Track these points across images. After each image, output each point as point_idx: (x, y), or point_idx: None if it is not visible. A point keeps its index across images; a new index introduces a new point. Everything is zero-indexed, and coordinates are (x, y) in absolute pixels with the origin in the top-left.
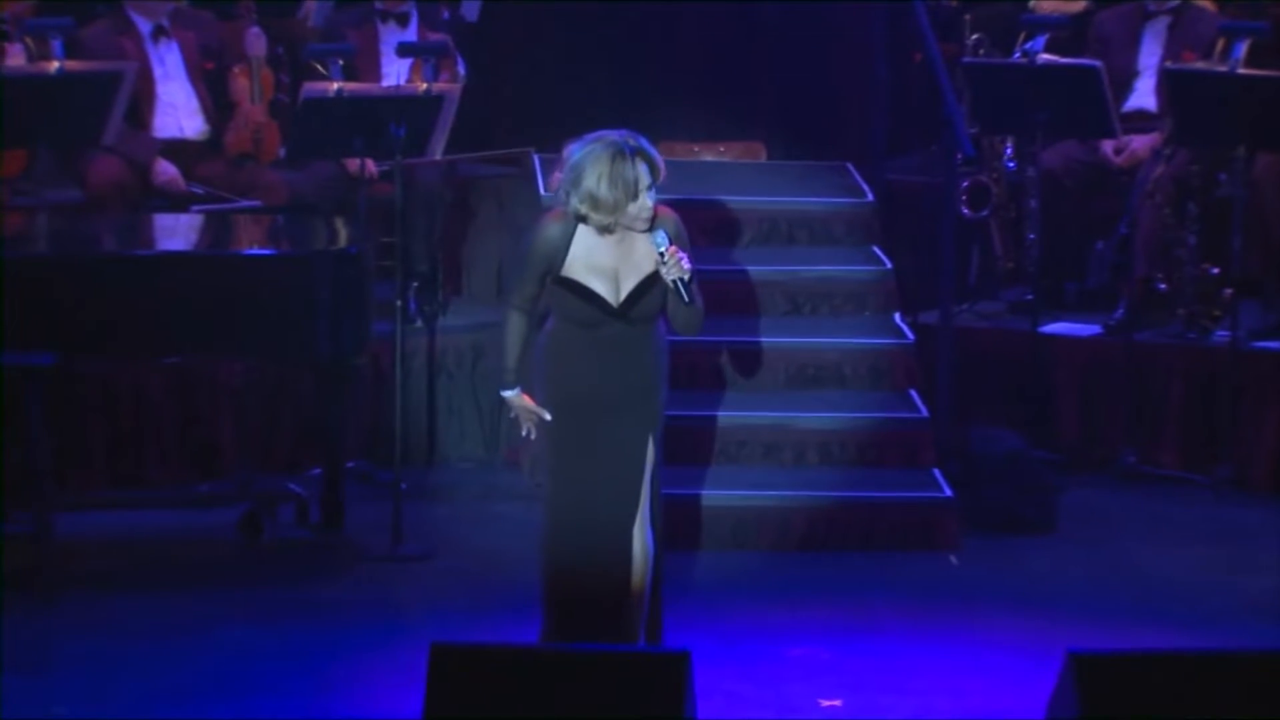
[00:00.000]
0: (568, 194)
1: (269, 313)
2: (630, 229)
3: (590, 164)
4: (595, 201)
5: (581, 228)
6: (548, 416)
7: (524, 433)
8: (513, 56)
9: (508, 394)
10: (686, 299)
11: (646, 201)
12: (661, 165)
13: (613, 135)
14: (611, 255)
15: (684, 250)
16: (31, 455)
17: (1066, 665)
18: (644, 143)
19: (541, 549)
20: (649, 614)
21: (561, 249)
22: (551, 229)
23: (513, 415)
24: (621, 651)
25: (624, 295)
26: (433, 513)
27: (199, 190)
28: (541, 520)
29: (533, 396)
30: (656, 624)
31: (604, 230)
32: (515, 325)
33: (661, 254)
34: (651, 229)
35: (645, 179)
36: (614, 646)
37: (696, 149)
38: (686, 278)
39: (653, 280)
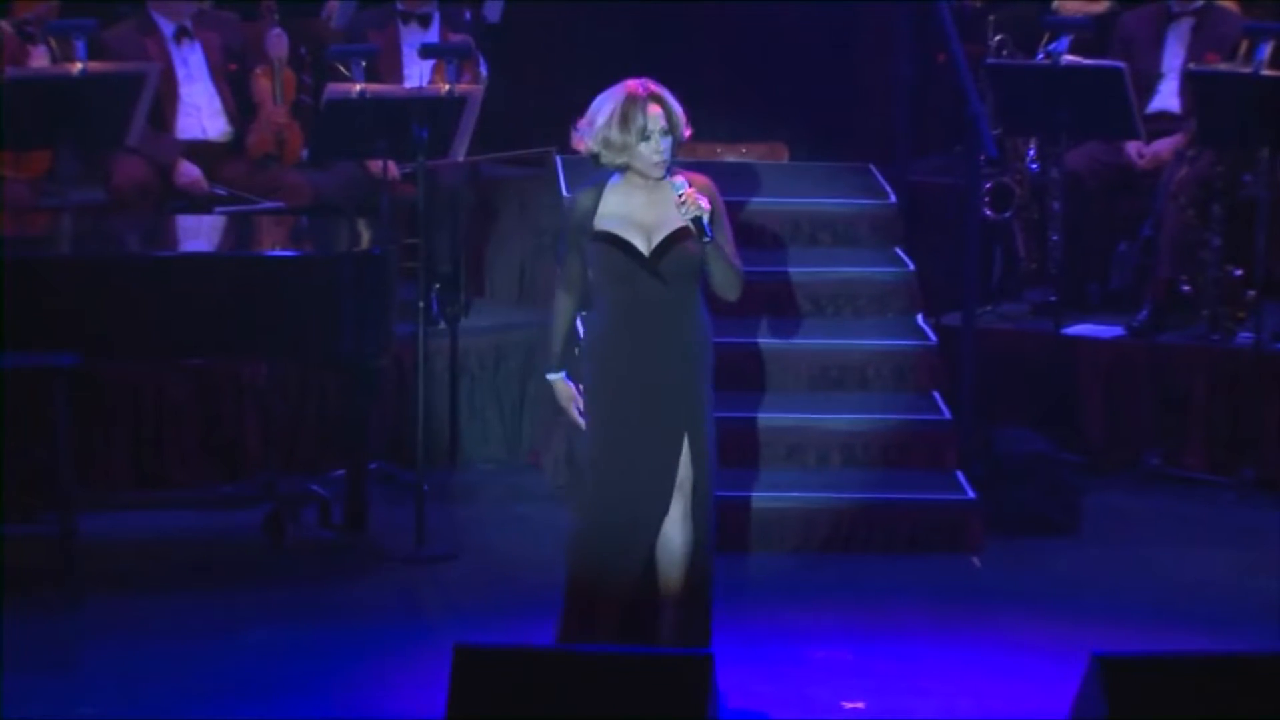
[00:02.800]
0: (584, 136)
1: (292, 314)
2: (646, 175)
3: (605, 106)
4: (607, 142)
5: (610, 187)
6: (580, 418)
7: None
8: (535, 57)
9: (550, 377)
10: (708, 236)
11: (658, 144)
12: (680, 115)
13: (632, 81)
14: (643, 212)
15: (720, 214)
16: (56, 456)
17: (1091, 667)
18: (662, 90)
19: (570, 544)
20: (691, 616)
21: (591, 210)
22: (580, 197)
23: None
24: (645, 653)
25: (654, 245)
26: (455, 514)
27: (222, 191)
28: (576, 514)
29: (579, 385)
30: (700, 627)
31: (618, 168)
32: (561, 306)
33: (680, 195)
34: (689, 185)
35: (657, 123)
36: (637, 648)
37: (719, 150)
38: (705, 216)
39: (683, 234)
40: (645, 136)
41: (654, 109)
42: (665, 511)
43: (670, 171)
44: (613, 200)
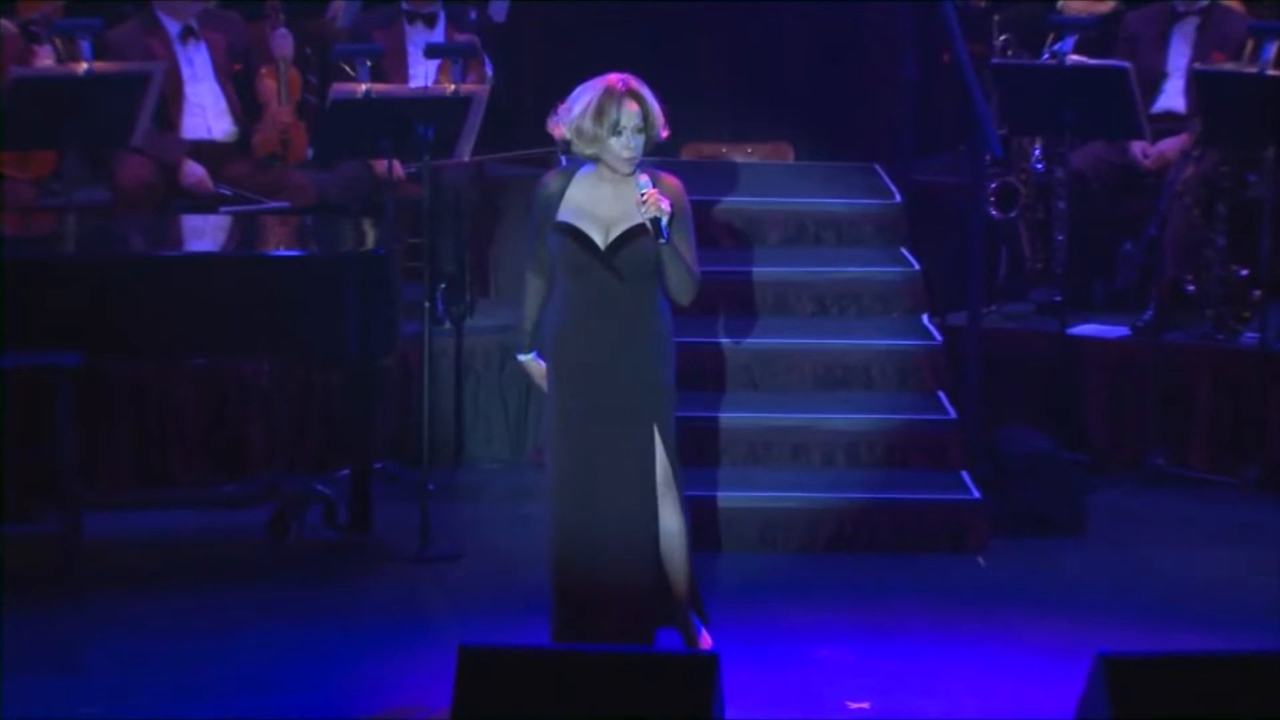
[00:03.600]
0: (560, 122)
1: (297, 314)
2: (615, 170)
3: (583, 96)
4: (580, 131)
5: (578, 178)
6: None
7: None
8: (540, 57)
9: (521, 358)
10: (664, 238)
11: (629, 141)
12: (657, 114)
13: (614, 75)
14: (606, 205)
15: (684, 218)
16: (59, 455)
17: (1096, 667)
18: (642, 88)
19: (549, 540)
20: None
21: (556, 198)
22: (548, 184)
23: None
24: (650, 653)
25: (611, 239)
26: (460, 514)
27: (227, 191)
28: (548, 507)
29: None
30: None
31: (589, 158)
32: (531, 288)
33: (642, 194)
34: (653, 186)
35: (631, 120)
36: (643, 648)
37: (724, 150)
38: (665, 219)
39: (642, 230)
40: (617, 131)
41: (630, 105)
42: (641, 504)
43: (645, 169)
44: (578, 190)
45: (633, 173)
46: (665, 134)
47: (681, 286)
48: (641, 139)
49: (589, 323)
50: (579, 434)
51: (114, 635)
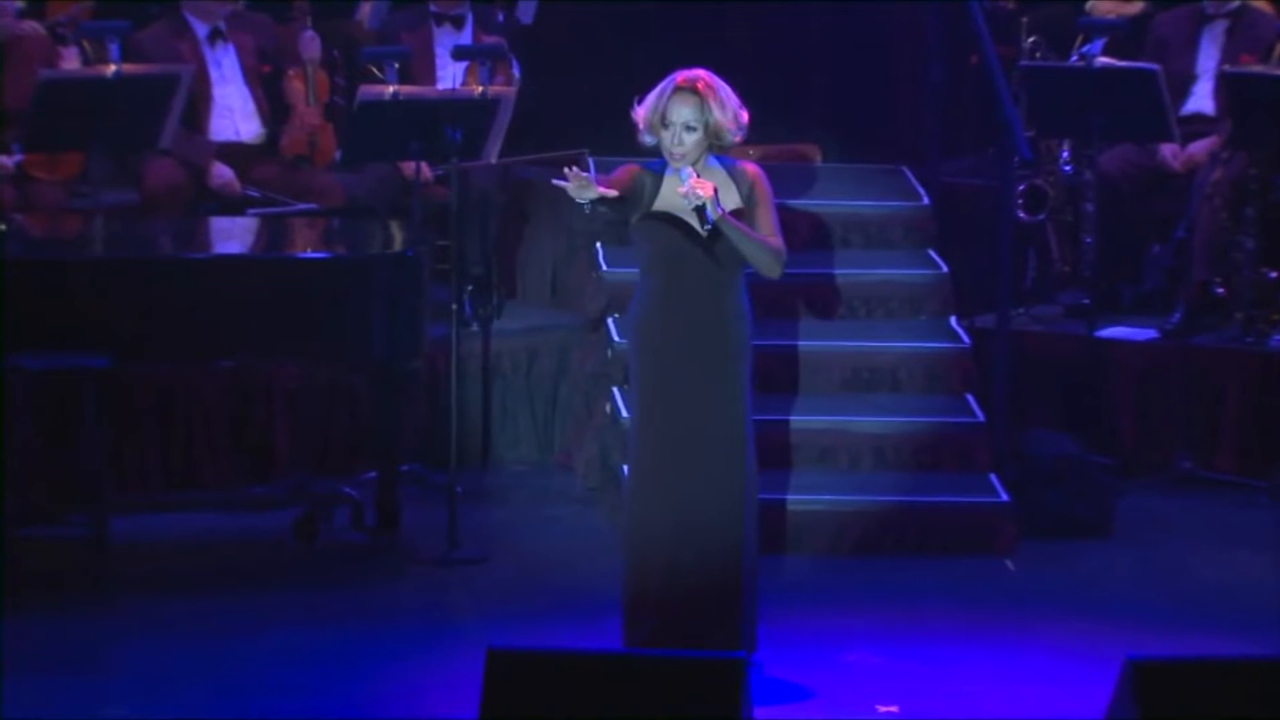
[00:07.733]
0: (639, 108)
1: (324, 316)
2: (670, 159)
3: (660, 84)
4: (644, 117)
5: (667, 174)
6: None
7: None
8: (567, 59)
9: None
10: (708, 223)
11: (678, 137)
12: (719, 118)
13: (694, 70)
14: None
15: (766, 202)
16: (87, 457)
17: (1125, 672)
18: (710, 90)
19: (626, 540)
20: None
21: (642, 195)
22: (645, 173)
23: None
24: (677, 656)
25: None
26: (487, 516)
27: (254, 193)
28: (627, 507)
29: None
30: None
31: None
32: None
33: (684, 185)
34: (696, 175)
35: (681, 115)
36: (670, 652)
37: (751, 151)
38: (708, 205)
39: (737, 216)
40: (665, 125)
41: (683, 103)
42: (723, 493)
43: (730, 161)
44: (669, 185)
45: (707, 163)
46: (737, 139)
47: (760, 261)
48: (694, 137)
49: (680, 309)
50: (663, 427)
51: (141, 637)
